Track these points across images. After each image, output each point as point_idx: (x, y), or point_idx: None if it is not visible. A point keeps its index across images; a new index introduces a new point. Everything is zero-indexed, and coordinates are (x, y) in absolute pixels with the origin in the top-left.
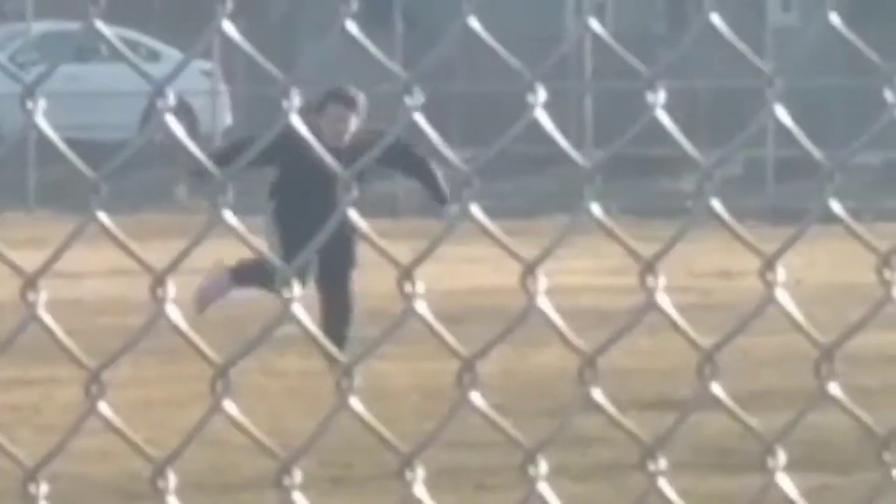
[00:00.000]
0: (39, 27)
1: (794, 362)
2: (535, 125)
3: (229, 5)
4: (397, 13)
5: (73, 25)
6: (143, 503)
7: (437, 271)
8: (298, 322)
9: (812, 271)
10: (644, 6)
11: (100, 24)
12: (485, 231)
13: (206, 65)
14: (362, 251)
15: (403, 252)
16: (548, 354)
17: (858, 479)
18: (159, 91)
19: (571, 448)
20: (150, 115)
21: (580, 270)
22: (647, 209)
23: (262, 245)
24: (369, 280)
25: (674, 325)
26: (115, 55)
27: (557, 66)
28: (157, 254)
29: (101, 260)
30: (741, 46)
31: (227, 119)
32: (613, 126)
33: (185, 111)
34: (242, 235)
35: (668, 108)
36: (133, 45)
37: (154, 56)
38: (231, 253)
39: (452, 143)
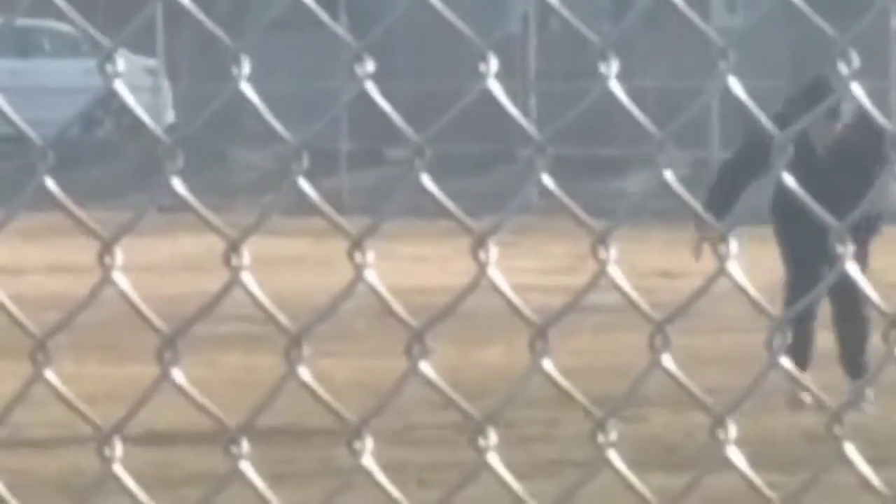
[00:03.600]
0: None
1: (739, 361)
2: (484, 124)
3: None
4: (341, 7)
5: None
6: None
7: (384, 269)
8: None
9: (760, 271)
10: (588, 9)
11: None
12: (435, 201)
13: (150, 62)
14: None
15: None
16: (491, 353)
17: (802, 478)
18: (108, 56)
19: (515, 447)
20: (94, 107)
21: (526, 270)
22: (596, 209)
23: (213, 218)
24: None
25: (626, 297)
26: (58, 51)
27: (502, 66)
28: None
29: (42, 256)
30: (691, 14)
31: (170, 116)
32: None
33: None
34: (193, 206)
35: (617, 107)
36: (76, 40)
37: (99, 51)
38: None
39: (398, 137)
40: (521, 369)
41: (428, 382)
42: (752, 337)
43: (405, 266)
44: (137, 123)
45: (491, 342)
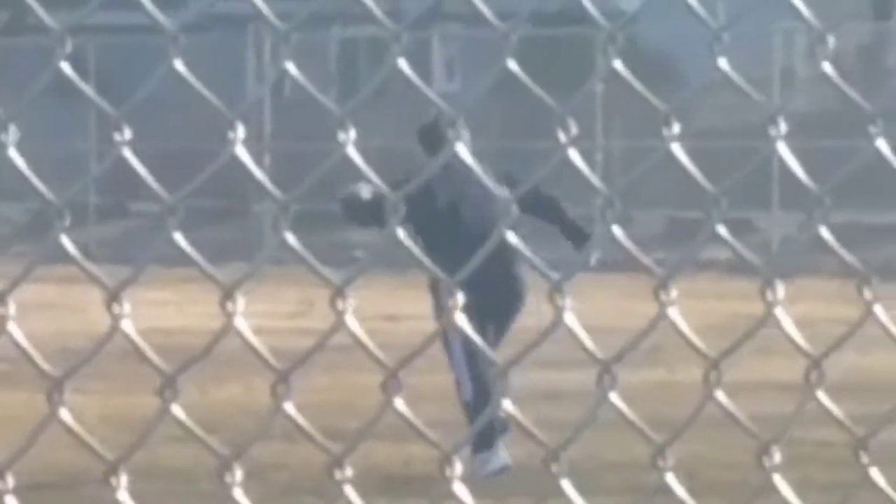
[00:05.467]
0: None
1: (454, 398)
2: (221, 181)
3: None
4: (91, 76)
5: None
6: None
7: (130, 312)
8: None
9: None
10: (321, 79)
11: None
12: (183, 253)
13: None
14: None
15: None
16: (229, 392)
17: None
18: None
19: (252, 477)
20: None
21: (259, 314)
22: (326, 259)
23: None
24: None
25: (359, 342)
26: None
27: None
28: None
29: None
30: (421, 84)
31: None
32: (292, 183)
33: None
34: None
35: (345, 168)
36: None
37: None
38: None
39: (142, 191)
40: (258, 407)
41: (175, 419)
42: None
43: (147, 310)
44: None
45: (229, 381)
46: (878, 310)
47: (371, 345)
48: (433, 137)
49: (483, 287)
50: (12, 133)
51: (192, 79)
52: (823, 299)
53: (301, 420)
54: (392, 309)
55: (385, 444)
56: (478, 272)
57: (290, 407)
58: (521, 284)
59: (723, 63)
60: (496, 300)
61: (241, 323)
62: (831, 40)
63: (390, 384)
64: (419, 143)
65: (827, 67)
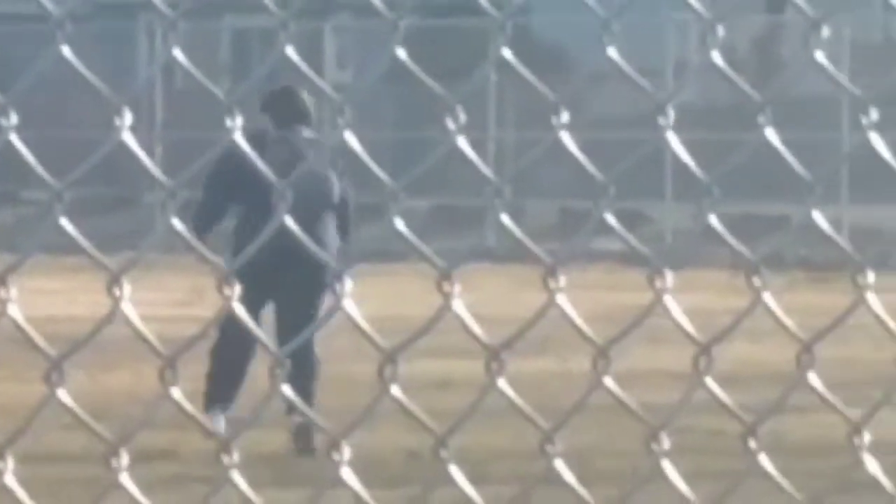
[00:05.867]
0: None
1: (346, 386)
2: (111, 167)
3: None
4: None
5: None
6: None
7: (17, 300)
8: None
9: (364, 307)
10: (213, 68)
11: None
12: (72, 241)
13: None
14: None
15: None
16: (118, 378)
17: (402, 493)
18: None
19: (141, 465)
20: None
21: (146, 302)
22: (210, 247)
23: None
24: None
25: (245, 326)
26: None
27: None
28: None
29: None
30: (310, 73)
31: None
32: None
33: None
34: None
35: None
36: None
37: None
38: None
39: (33, 180)
40: (147, 394)
41: (63, 406)
42: (357, 366)
43: (36, 298)
44: None
45: (117, 369)
46: (767, 297)
47: (258, 329)
48: (282, 105)
49: (270, 271)
50: None
51: (79, 65)
52: (715, 290)
53: (187, 405)
54: None
55: (274, 431)
56: (274, 259)
57: (176, 392)
58: (319, 275)
59: (612, 52)
60: (286, 285)
61: (127, 308)
62: (720, 30)
63: (276, 370)
64: (265, 110)
65: (716, 57)
